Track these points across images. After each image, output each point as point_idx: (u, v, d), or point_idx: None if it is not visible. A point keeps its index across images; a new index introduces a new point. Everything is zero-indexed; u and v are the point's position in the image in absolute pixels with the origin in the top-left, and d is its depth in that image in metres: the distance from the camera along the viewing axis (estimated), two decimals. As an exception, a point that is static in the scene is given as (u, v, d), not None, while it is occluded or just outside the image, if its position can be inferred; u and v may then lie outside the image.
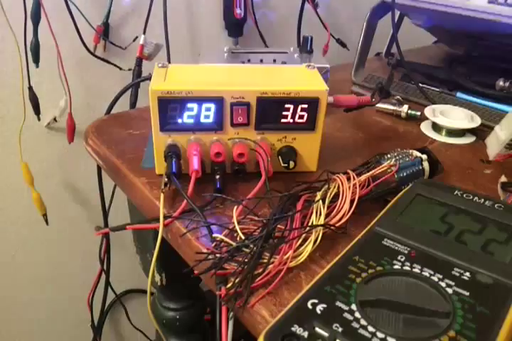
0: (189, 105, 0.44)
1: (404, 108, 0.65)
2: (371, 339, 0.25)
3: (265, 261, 0.34)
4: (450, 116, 0.60)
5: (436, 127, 0.61)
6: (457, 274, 0.30)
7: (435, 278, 0.30)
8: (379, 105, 0.66)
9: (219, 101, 0.44)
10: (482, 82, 0.72)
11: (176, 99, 0.43)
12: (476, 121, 0.59)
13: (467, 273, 0.30)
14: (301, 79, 0.48)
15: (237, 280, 0.33)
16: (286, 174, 0.48)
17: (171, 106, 0.43)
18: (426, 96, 0.68)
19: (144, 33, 0.76)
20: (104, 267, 0.87)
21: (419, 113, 0.64)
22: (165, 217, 0.40)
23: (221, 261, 0.34)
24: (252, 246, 0.35)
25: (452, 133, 0.59)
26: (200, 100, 0.43)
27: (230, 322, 0.44)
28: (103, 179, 0.70)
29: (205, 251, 0.36)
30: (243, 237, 0.36)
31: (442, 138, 0.59)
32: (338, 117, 0.62)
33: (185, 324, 0.63)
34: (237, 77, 0.48)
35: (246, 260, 0.34)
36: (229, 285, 0.33)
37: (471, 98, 0.69)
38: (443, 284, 0.29)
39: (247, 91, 0.44)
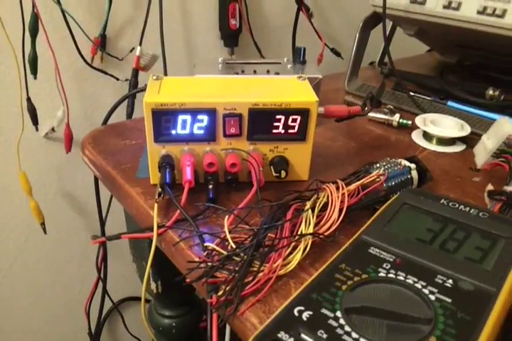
0: (182, 117, 0.45)
1: (396, 117, 0.66)
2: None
3: (255, 269, 0.35)
4: (440, 125, 0.61)
5: (427, 136, 0.62)
6: (440, 281, 0.31)
7: (419, 285, 0.30)
8: (371, 114, 0.67)
9: (211, 112, 0.45)
10: (473, 91, 0.73)
11: (169, 111, 0.44)
12: (466, 130, 0.60)
13: (450, 280, 0.31)
14: (292, 90, 0.49)
15: (227, 288, 0.34)
16: (278, 183, 0.49)
17: (164, 117, 0.45)
18: (417, 105, 0.69)
19: (140, 44, 0.78)
20: (101, 275, 0.88)
21: (410, 122, 0.65)
22: (159, 227, 0.41)
23: (212, 269, 0.35)
24: (242, 254, 0.36)
25: (443, 141, 0.60)
26: (193, 112, 0.45)
27: (227, 331, 0.45)
28: (101, 188, 0.71)
29: (197, 259, 0.37)
30: (234, 246, 0.37)
31: (433, 146, 0.60)
32: (330, 126, 0.63)
33: (181, 331, 0.64)
34: (229, 89, 0.49)
35: (237, 268, 0.35)
36: (220, 293, 0.34)
37: (462, 107, 0.70)
38: (426, 291, 0.30)
39: (238, 103, 0.45)
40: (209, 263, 0.36)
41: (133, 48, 0.79)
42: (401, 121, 0.65)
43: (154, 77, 0.49)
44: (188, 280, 0.36)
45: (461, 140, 0.61)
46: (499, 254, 0.33)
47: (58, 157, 0.84)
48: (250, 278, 0.35)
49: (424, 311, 0.29)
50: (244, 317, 0.33)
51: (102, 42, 0.78)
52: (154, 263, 0.53)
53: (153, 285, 0.58)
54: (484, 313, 0.28)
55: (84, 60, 0.77)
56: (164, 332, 0.64)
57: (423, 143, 0.61)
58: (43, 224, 0.82)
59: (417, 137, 0.63)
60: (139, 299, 1.10)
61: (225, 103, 0.45)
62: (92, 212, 0.91)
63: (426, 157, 0.58)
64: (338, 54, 1.03)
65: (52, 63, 0.72)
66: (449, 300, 0.29)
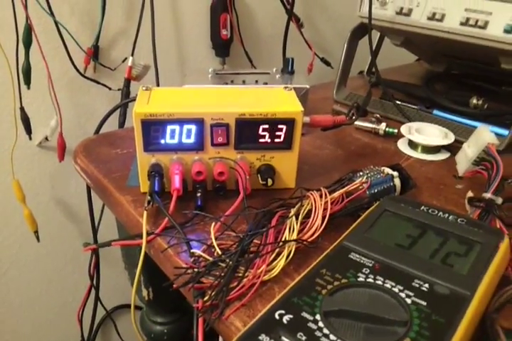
0: (171, 127, 0.46)
1: (382, 126, 0.67)
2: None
3: (240, 274, 0.36)
4: (425, 134, 0.63)
5: (412, 144, 0.63)
6: (417, 285, 0.32)
7: (396, 290, 0.32)
8: (358, 123, 0.68)
9: (199, 122, 0.46)
10: (458, 100, 0.75)
11: (158, 121, 0.45)
12: (450, 138, 0.62)
13: (426, 285, 0.32)
14: (278, 100, 0.50)
15: (213, 294, 0.35)
16: (265, 191, 0.50)
17: (153, 127, 0.46)
18: (403, 114, 0.71)
19: (132, 54, 0.79)
20: (94, 283, 0.88)
21: (396, 130, 0.66)
22: (148, 234, 0.42)
23: (198, 275, 0.36)
24: (228, 260, 0.37)
25: (427, 149, 0.62)
26: (181, 122, 0.46)
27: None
28: (94, 196, 0.72)
29: (184, 265, 0.38)
30: (220, 252, 0.38)
31: (418, 154, 0.62)
32: (318, 135, 0.65)
33: (172, 338, 0.65)
34: (217, 99, 0.50)
35: (222, 274, 0.36)
36: (206, 298, 0.35)
37: (447, 115, 0.71)
38: (403, 295, 0.31)
39: (225, 113, 0.46)
40: (195, 269, 0.37)
41: (125, 58, 0.81)
42: (387, 129, 0.67)
43: (144, 88, 0.51)
44: (174, 285, 0.37)
45: (446, 148, 0.63)
46: (474, 259, 0.35)
47: (51, 165, 0.85)
48: (235, 284, 0.36)
49: (401, 314, 0.30)
50: (229, 321, 0.34)
51: (94, 53, 0.79)
52: (145, 270, 0.55)
53: (144, 292, 0.59)
54: (458, 315, 0.30)
55: (77, 70, 0.78)
56: (156, 339, 0.64)
57: (408, 151, 0.63)
58: (36, 232, 0.83)
59: (402, 145, 0.64)
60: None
61: (213, 113, 0.46)
62: (84, 219, 0.92)
63: (411, 165, 0.59)
64: (327, 63, 1.04)
65: (45, 73, 0.73)
66: (425, 304, 0.30)
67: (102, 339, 1.13)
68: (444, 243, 0.37)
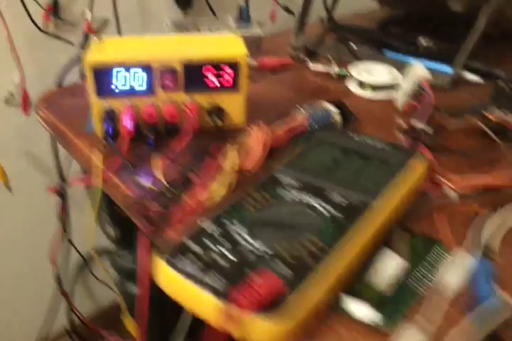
0: (121, 74, 0.49)
1: (335, 68, 0.70)
2: (248, 247, 0.32)
3: (183, 202, 0.40)
4: (374, 73, 0.66)
5: (361, 84, 0.66)
6: (333, 199, 0.36)
7: (315, 204, 0.36)
8: (312, 66, 0.71)
9: (148, 68, 0.49)
10: (411, 41, 0.78)
11: (108, 69, 0.48)
12: (397, 77, 0.65)
13: (342, 198, 0.36)
14: (225, 45, 0.52)
15: (158, 219, 0.39)
16: (216, 131, 0.53)
17: (104, 75, 0.48)
18: (354, 56, 0.74)
19: (91, 8, 0.80)
20: (64, 227, 0.92)
21: (348, 72, 0.69)
22: (103, 173, 0.46)
23: (146, 203, 0.40)
24: (172, 190, 0.41)
25: (375, 88, 0.65)
26: (131, 68, 0.49)
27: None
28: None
29: (134, 197, 0.42)
30: (166, 184, 0.42)
31: (366, 93, 0.65)
32: (273, 79, 0.67)
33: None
34: (166, 46, 0.53)
35: (168, 202, 0.40)
36: (152, 222, 0.39)
37: (399, 57, 0.74)
38: (321, 208, 0.35)
39: (173, 59, 0.49)
40: (145, 199, 0.41)
41: (84, 13, 0.82)
42: (340, 71, 0.70)
43: (96, 38, 0.53)
44: (126, 214, 0.41)
45: (394, 87, 0.66)
46: (384, 174, 0.39)
47: (19, 120, 0.87)
48: (178, 210, 0.40)
49: (317, 222, 0.34)
50: (170, 238, 0.38)
51: (54, 9, 0.80)
52: (110, 210, 0.59)
53: (111, 232, 0.64)
54: (359, 217, 0.35)
55: (38, 27, 0.79)
56: (127, 275, 0.69)
57: (358, 90, 0.66)
58: (6, 182, 0.85)
59: (352, 85, 0.67)
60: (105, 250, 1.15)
61: (160, 59, 0.49)
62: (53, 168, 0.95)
63: (357, 103, 0.62)
64: (290, 12, 1.05)
65: (4, 31, 0.74)
66: (336, 212, 0.35)
67: (81, 283, 1.20)
68: (367, 165, 0.41)
